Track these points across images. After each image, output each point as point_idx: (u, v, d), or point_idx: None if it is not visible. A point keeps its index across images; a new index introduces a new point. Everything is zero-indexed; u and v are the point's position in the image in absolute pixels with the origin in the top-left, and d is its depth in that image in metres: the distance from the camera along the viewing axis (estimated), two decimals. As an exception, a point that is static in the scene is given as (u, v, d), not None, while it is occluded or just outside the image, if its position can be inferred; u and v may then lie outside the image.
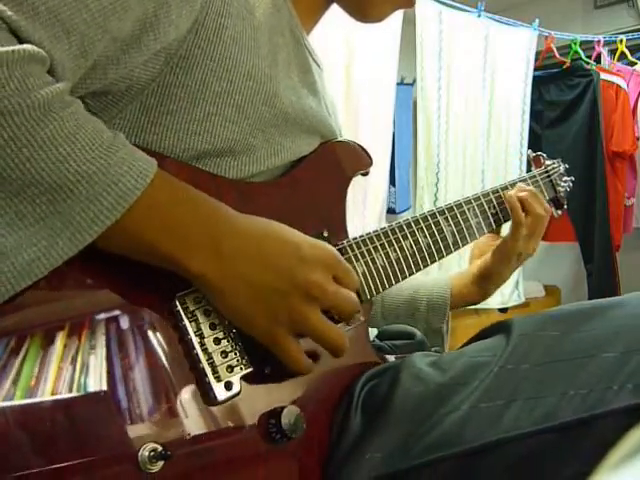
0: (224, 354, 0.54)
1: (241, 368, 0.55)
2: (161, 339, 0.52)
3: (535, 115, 2.87)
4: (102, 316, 0.50)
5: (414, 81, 2.59)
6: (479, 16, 2.58)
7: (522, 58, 2.72)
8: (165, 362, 0.51)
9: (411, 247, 0.72)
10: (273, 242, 0.53)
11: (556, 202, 0.99)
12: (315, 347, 0.55)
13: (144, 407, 0.49)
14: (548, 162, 0.99)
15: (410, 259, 0.72)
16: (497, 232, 0.90)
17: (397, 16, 2.24)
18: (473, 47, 2.56)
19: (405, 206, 3.10)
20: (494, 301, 2.72)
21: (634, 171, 3.07)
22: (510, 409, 0.53)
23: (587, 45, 2.97)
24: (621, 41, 2.99)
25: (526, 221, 0.84)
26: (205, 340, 0.53)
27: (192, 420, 0.51)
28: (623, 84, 2.93)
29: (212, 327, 0.54)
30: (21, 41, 0.43)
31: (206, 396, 0.52)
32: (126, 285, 0.51)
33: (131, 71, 0.52)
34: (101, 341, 0.48)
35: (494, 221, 0.85)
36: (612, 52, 3.07)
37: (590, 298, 2.85)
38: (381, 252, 0.69)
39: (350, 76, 2.24)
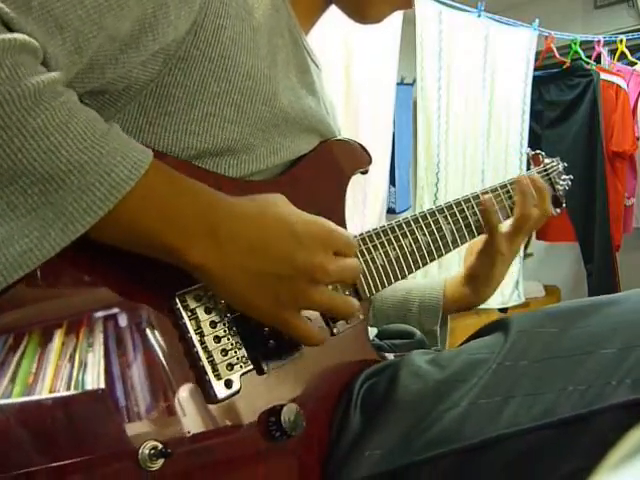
0: (224, 352, 0.54)
1: (241, 366, 0.55)
2: (161, 337, 0.52)
3: (535, 115, 2.87)
4: (102, 313, 0.50)
5: (414, 81, 2.59)
6: (479, 16, 2.58)
7: (522, 58, 2.72)
8: (165, 360, 0.51)
9: (410, 245, 0.72)
10: (271, 223, 0.52)
11: (555, 200, 0.99)
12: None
13: (144, 405, 0.49)
14: (547, 160, 0.98)
15: (409, 257, 0.72)
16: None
17: (397, 16, 2.25)
18: (473, 47, 2.56)
19: (405, 206, 3.11)
20: (494, 301, 2.72)
21: (634, 171, 3.08)
22: (509, 405, 0.53)
23: (587, 45, 2.97)
24: (621, 41, 2.99)
25: (513, 221, 0.82)
26: (205, 338, 0.53)
27: (192, 418, 0.51)
28: (623, 84, 2.93)
29: (212, 325, 0.54)
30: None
31: (206, 394, 0.52)
32: (126, 282, 0.51)
33: (129, 71, 0.52)
34: (101, 338, 0.48)
35: None
36: (612, 52, 3.07)
37: (590, 298, 2.84)
38: (380, 250, 0.69)
39: (350, 76, 2.24)
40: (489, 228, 0.81)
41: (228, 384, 0.53)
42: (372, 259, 0.68)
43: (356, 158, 0.74)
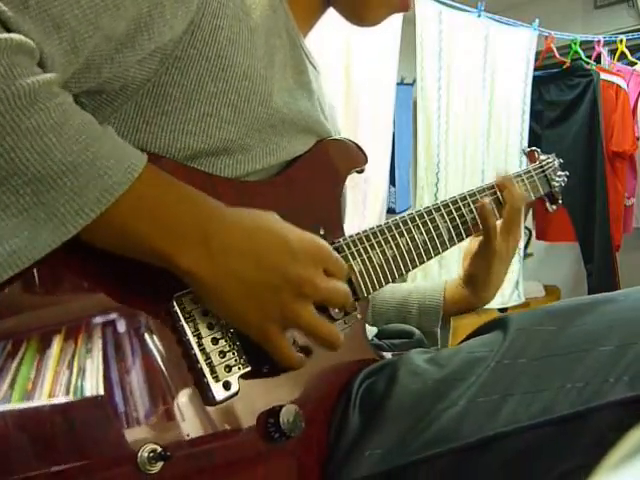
0: (222, 354, 0.54)
1: (239, 368, 0.55)
2: (159, 340, 0.52)
3: (535, 115, 2.87)
4: (99, 317, 0.50)
5: (414, 81, 2.59)
6: (479, 16, 2.58)
7: (522, 58, 2.71)
8: (163, 363, 0.51)
9: (407, 244, 0.72)
10: (264, 235, 0.52)
11: (550, 197, 0.99)
12: (312, 344, 0.55)
13: (143, 408, 0.49)
14: (542, 157, 0.98)
15: (406, 256, 0.72)
16: None
17: (397, 16, 2.24)
18: (473, 47, 2.56)
19: (405, 206, 3.10)
20: (494, 301, 2.70)
21: (634, 171, 3.07)
22: (507, 403, 0.53)
23: (587, 45, 2.97)
24: (621, 41, 2.99)
25: (504, 216, 0.82)
26: (203, 340, 0.53)
27: (191, 420, 0.51)
28: (623, 84, 2.93)
29: (210, 327, 0.54)
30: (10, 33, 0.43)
31: (205, 396, 0.52)
32: (123, 287, 0.51)
33: (126, 70, 0.52)
34: (99, 343, 0.48)
35: None
36: (612, 52, 3.07)
37: (590, 298, 2.84)
38: (377, 250, 0.69)
39: (350, 76, 2.24)
40: (486, 228, 0.81)
41: (226, 386, 0.53)
42: (369, 258, 0.68)
43: (351, 157, 0.74)
